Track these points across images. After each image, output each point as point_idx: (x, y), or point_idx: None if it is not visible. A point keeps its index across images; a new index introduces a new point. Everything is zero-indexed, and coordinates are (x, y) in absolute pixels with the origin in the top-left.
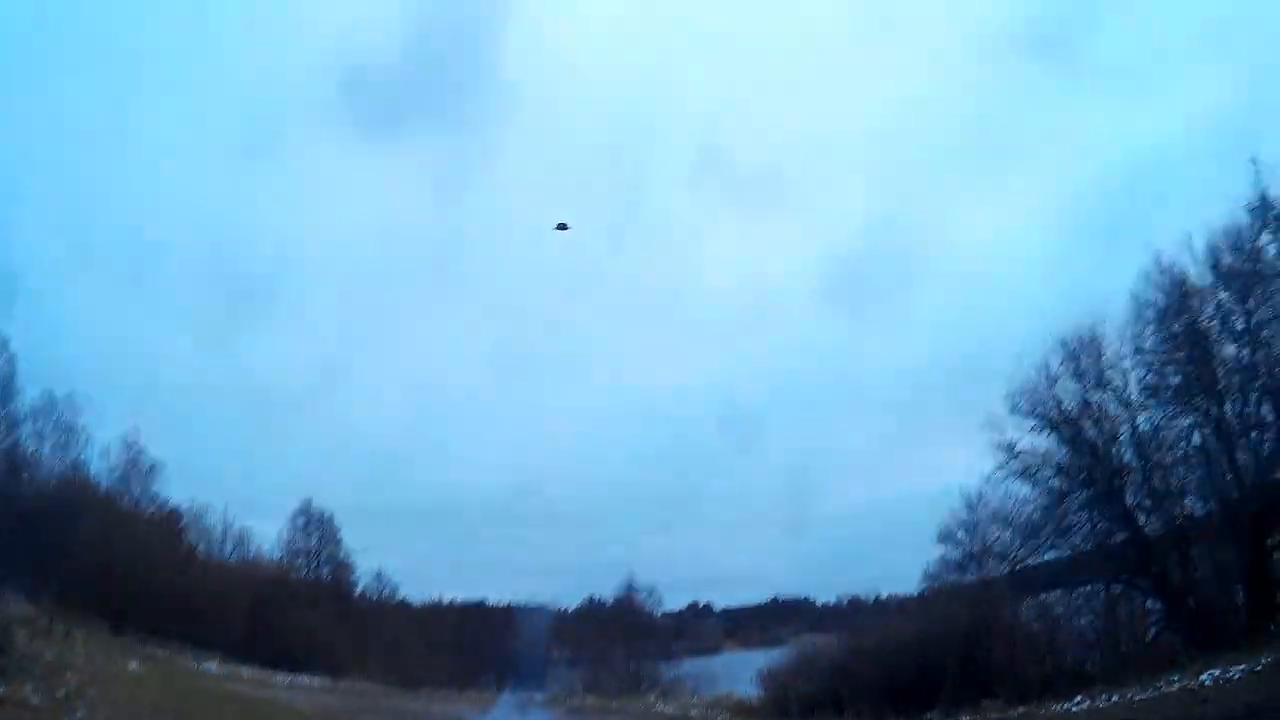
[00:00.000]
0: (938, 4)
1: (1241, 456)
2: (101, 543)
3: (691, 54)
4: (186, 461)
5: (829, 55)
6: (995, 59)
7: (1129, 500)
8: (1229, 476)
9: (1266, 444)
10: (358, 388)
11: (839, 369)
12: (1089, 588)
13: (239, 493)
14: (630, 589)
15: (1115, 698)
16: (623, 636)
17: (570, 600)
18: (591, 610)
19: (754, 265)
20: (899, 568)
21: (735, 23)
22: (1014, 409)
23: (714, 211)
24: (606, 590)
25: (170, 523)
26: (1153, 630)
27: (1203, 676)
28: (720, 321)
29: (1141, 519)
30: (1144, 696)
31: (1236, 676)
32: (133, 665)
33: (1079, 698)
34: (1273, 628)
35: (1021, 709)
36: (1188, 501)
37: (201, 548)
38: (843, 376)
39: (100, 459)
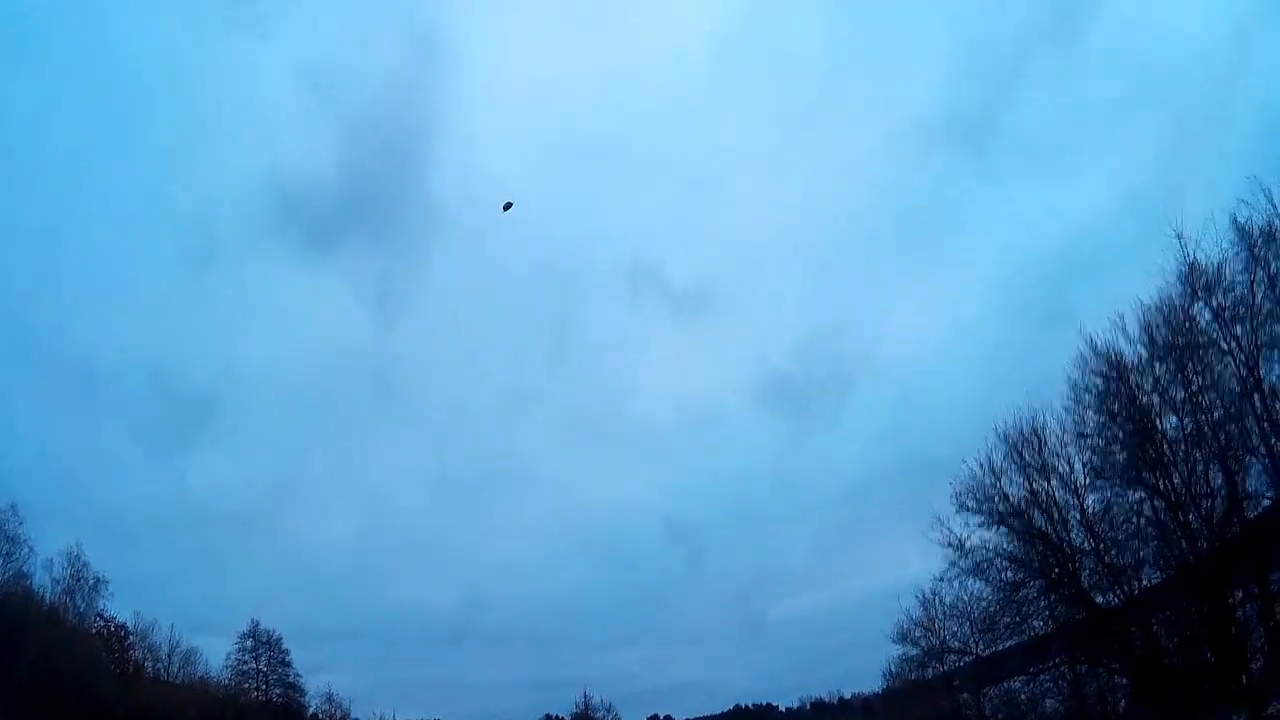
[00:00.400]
0: (858, 103)
1: (1194, 521)
2: (46, 657)
3: (618, 175)
4: (132, 576)
5: (752, 167)
6: (919, 151)
7: (1085, 581)
8: (1183, 543)
9: (1218, 507)
10: (304, 506)
11: (782, 476)
12: (1053, 670)
13: (186, 610)
14: (588, 707)
15: None
16: None
17: (528, 718)
18: None
19: (692, 379)
20: (859, 667)
21: (658, 144)
22: (961, 507)
23: (649, 328)
24: (563, 708)
25: (117, 638)
26: (1123, 703)
27: None
28: (661, 436)
29: (1099, 597)
30: None
31: None
32: None
33: None
34: (1244, 681)
35: None
36: (1144, 572)
37: (149, 665)
38: (786, 483)
39: (44, 571)
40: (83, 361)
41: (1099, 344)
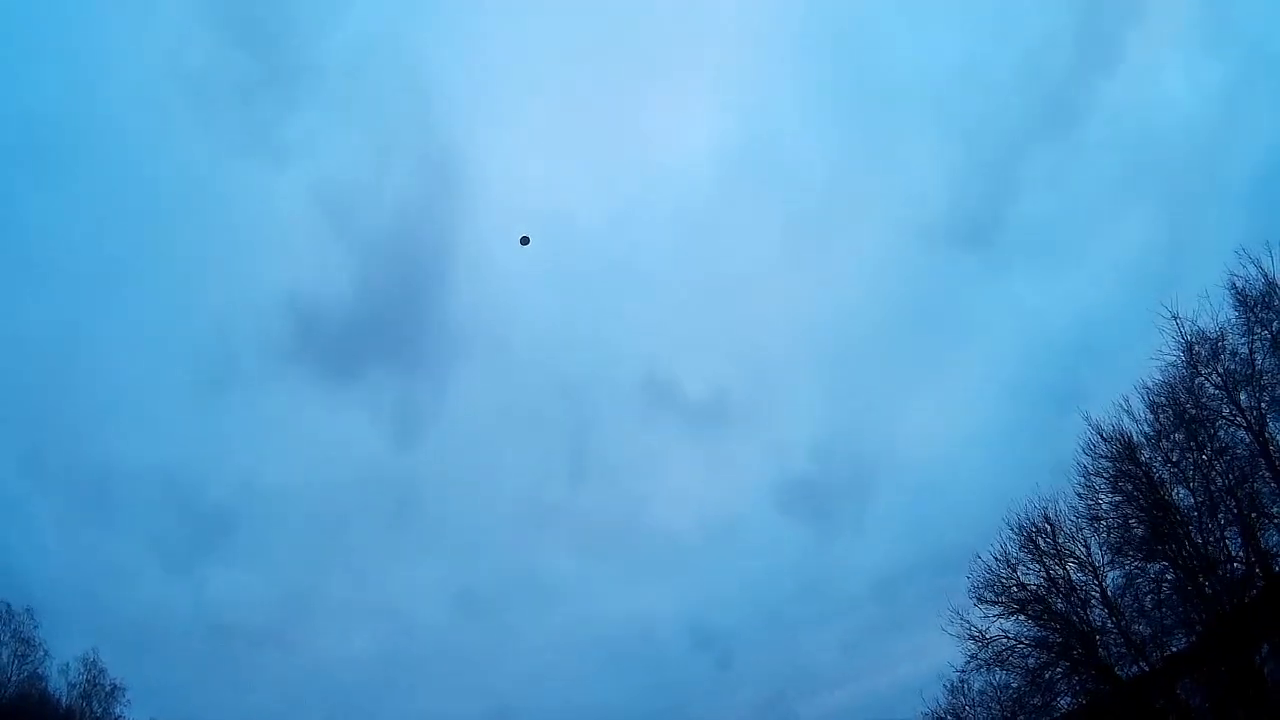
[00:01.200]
0: (862, 207)
1: (1214, 586)
2: None
3: (631, 291)
4: (149, 685)
5: (762, 276)
6: (925, 249)
7: (1109, 657)
8: (1204, 608)
9: (1236, 570)
10: (323, 622)
11: (807, 578)
12: None
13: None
14: None
15: None
16: None
17: None
18: None
19: (711, 487)
20: None
21: (669, 259)
22: (979, 600)
23: (666, 439)
24: None
25: None
26: None
27: None
28: (683, 544)
29: (1121, 671)
30: None
31: None
32: None
33: None
34: None
35: None
36: (1168, 640)
37: None
38: (811, 585)
39: (60, 675)
40: (100, 472)
41: (1105, 428)
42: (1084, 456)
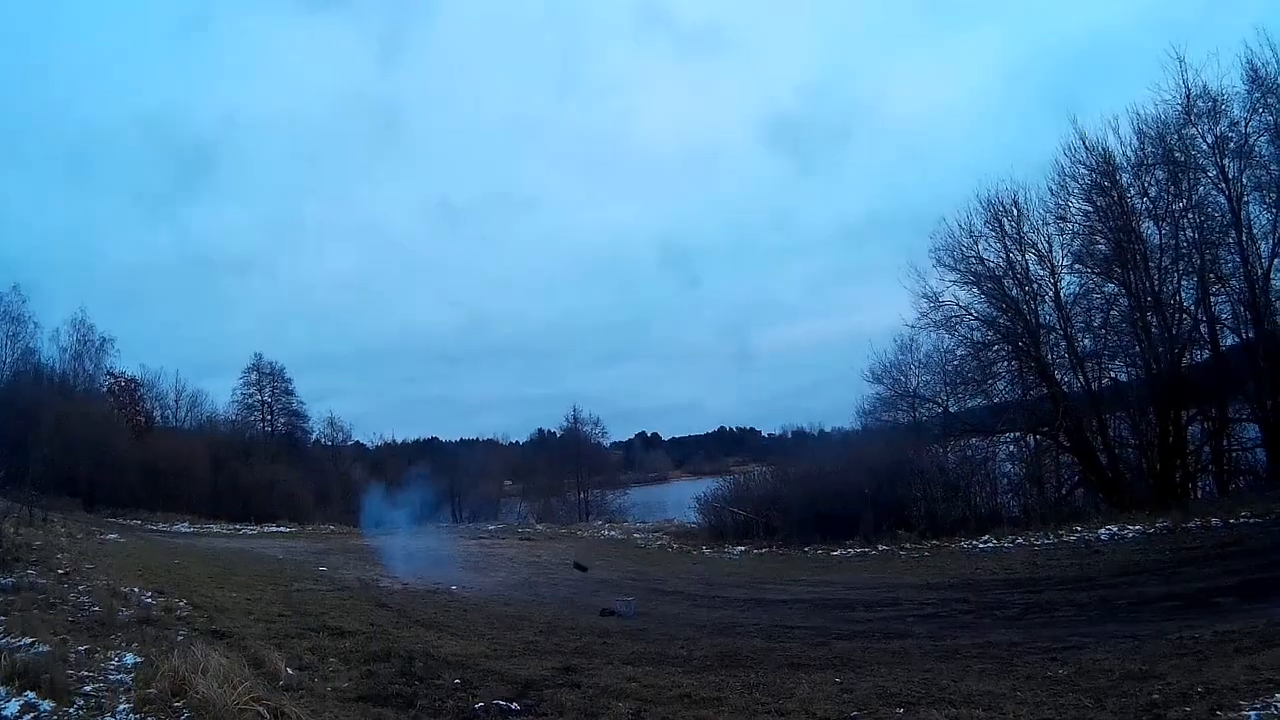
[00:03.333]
0: None
1: (1159, 331)
2: (60, 425)
3: None
4: (139, 333)
5: None
6: None
7: (1049, 358)
8: (1146, 349)
9: (1185, 323)
10: (305, 245)
11: (781, 212)
12: (1014, 437)
13: (193, 356)
14: (576, 420)
15: (1020, 540)
16: (572, 467)
17: (520, 434)
18: (541, 443)
19: (696, 116)
20: (841, 402)
21: None
22: (938, 262)
23: (656, 64)
24: (555, 424)
25: (127, 393)
26: (1068, 485)
27: (1101, 532)
28: (662, 165)
29: (1061, 377)
30: (1045, 543)
31: (1131, 536)
32: (112, 536)
33: (986, 537)
34: (1175, 495)
35: (933, 543)
36: (1106, 367)
37: (157, 414)
38: (785, 219)
39: (51, 343)
40: (78, 137)
41: (1089, 138)
42: (1063, 158)
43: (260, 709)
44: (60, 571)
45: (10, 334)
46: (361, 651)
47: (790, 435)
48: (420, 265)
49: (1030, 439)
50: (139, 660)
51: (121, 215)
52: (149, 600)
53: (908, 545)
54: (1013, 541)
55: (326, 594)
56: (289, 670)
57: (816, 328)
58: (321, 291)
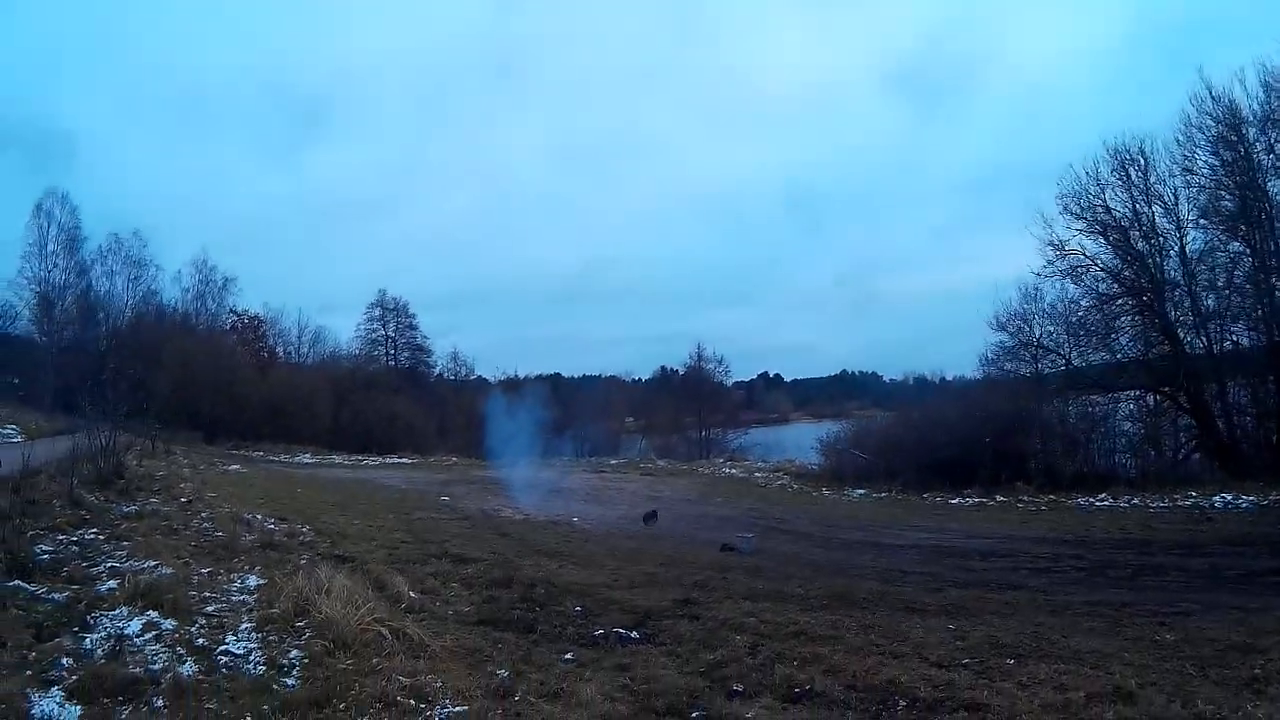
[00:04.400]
0: None
1: None
2: (182, 361)
3: None
4: (262, 274)
5: None
6: None
7: (1172, 315)
8: (1269, 312)
9: None
10: (426, 187)
11: (902, 161)
12: (1134, 395)
13: (315, 297)
14: (700, 359)
15: (1134, 501)
16: (693, 405)
17: (643, 371)
18: (664, 380)
19: (817, 61)
20: (961, 351)
21: None
22: (1064, 209)
23: (777, 7)
24: (678, 362)
25: (251, 329)
26: (1185, 449)
27: (1215, 499)
28: (784, 110)
29: (1184, 335)
30: (1159, 506)
31: (1244, 505)
32: (234, 467)
33: (1103, 495)
34: None
35: (1050, 497)
36: (1229, 329)
37: (280, 350)
38: (907, 167)
39: (173, 284)
40: (194, 87)
41: (1215, 89)
42: (1190, 107)
43: (382, 629)
44: (183, 500)
45: (132, 277)
46: (484, 578)
47: (911, 381)
48: (540, 206)
49: (1150, 398)
50: (262, 582)
51: (239, 165)
52: (271, 526)
53: (1025, 498)
54: (1128, 501)
55: (448, 523)
56: (411, 594)
57: (939, 276)
58: (446, 230)
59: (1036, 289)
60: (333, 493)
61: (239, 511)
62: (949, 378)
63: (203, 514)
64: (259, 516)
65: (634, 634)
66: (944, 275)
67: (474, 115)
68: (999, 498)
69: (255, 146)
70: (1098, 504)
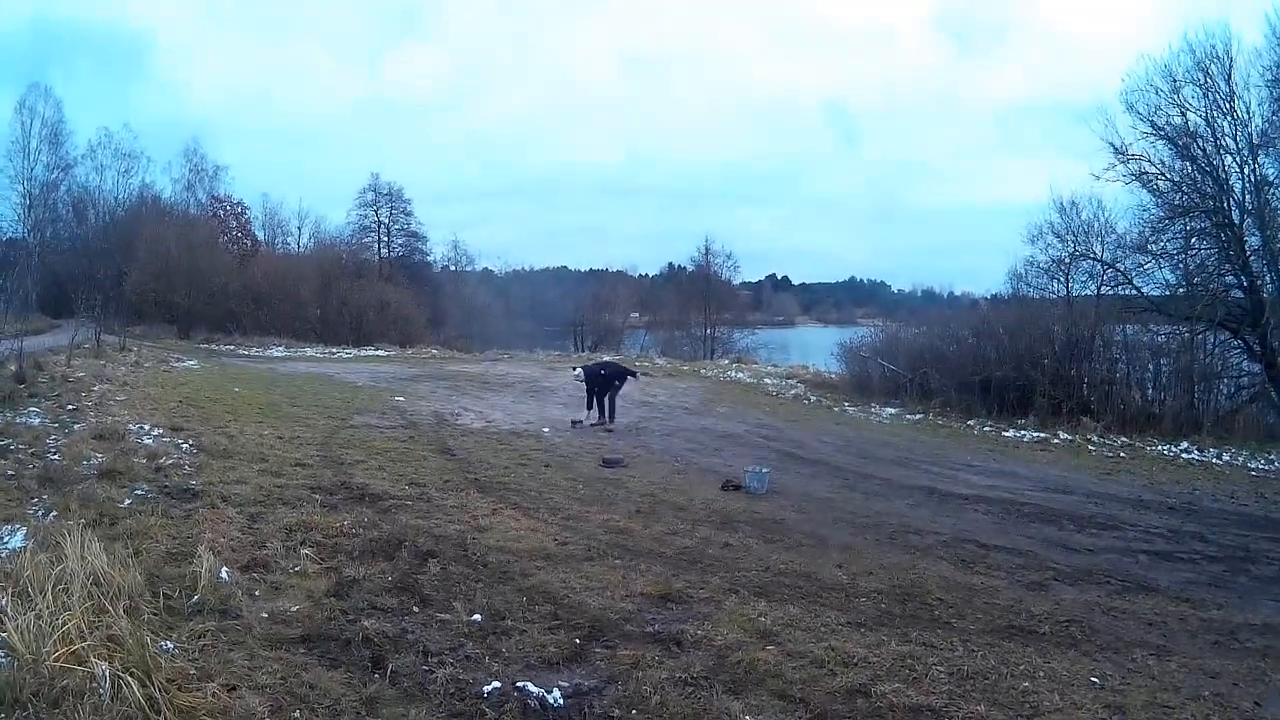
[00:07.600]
0: None
1: None
2: (160, 251)
3: None
4: (312, 175)
5: None
6: None
7: (1248, 248)
8: None
9: None
10: (491, 90)
11: (945, 79)
12: (1189, 326)
13: (316, 188)
14: (708, 254)
15: (1227, 458)
16: (700, 303)
17: (651, 267)
18: (671, 276)
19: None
20: (976, 268)
21: None
22: (1129, 107)
23: None
24: (687, 259)
25: (234, 216)
26: (1245, 394)
27: None
28: (837, 34)
29: (1258, 269)
30: (1260, 466)
31: None
32: (189, 363)
33: (1185, 445)
34: None
35: (1123, 439)
36: None
37: (278, 240)
38: (946, 88)
39: (164, 174)
40: None
41: None
42: (1272, 13)
43: (98, 668)
44: (71, 408)
45: (123, 171)
46: (361, 538)
47: (920, 293)
48: (591, 108)
49: (1213, 336)
50: (23, 545)
51: (313, 63)
52: (149, 442)
53: (1094, 438)
54: (1218, 456)
55: (384, 433)
56: (225, 573)
57: (963, 192)
58: (493, 132)
59: (1075, 202)
60: (271, 391)
61: (126, 423)
62: (958, 293)
63: (76, 426)
64: (147, 426)
65: (555, 693)
66: (967, 191)
67: (550, 17)
68: (1063, 434)
69: (339, 48)
70: (1185, 457)
